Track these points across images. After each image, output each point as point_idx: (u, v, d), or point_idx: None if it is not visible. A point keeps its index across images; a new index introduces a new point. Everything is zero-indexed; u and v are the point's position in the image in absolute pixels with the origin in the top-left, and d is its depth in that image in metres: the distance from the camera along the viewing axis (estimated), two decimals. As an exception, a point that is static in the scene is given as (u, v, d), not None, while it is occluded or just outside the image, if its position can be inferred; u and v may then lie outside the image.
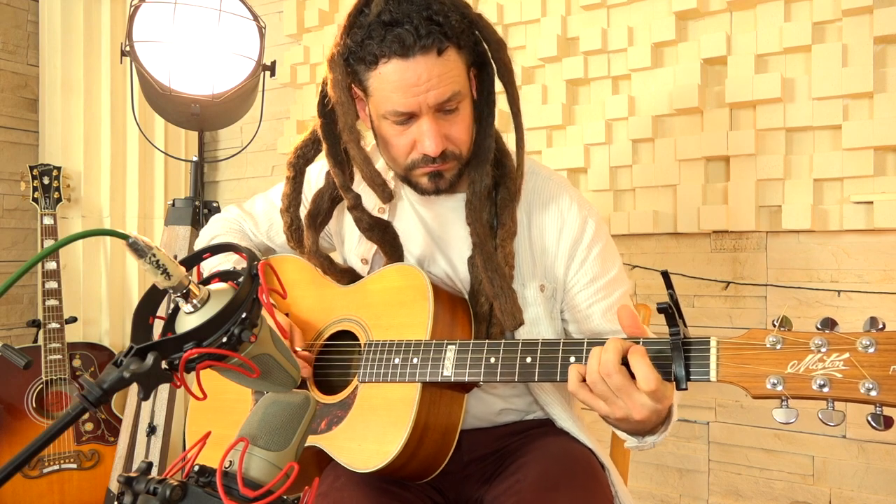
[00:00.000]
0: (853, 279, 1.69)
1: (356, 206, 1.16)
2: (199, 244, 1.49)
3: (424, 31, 1.01)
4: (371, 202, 1.24)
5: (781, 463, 1.78)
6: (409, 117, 1.07)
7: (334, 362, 1.23)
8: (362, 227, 1.18)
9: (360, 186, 1.23)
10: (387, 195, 1.14)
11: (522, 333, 1.15)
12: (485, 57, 1.13)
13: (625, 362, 0.90)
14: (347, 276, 1.25)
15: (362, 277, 1.25)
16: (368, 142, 1.22)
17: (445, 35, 1.02)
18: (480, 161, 1.15)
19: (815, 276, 1.73)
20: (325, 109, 1.15)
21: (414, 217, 1.25)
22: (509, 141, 1.20)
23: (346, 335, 1.23)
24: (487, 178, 1.15)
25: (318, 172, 1.32)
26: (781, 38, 1.71)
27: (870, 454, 1.68)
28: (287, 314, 1.27)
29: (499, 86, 1.15)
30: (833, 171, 1.66)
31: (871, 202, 1.61)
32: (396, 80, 1.03)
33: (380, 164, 1.24)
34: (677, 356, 0.87)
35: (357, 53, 1.05)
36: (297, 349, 1.20)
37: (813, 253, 1.74)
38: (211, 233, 1.45)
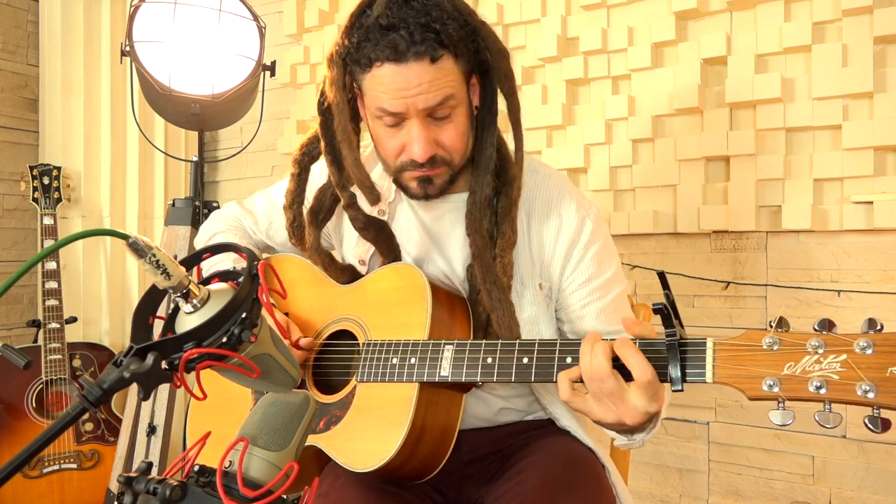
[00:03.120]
0: (853, 279, 1.69)
1: (351, 205, 1.17)
2: (199, 239, 1.49)
3: (419, 38, 1.01)
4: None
5: (781, 463, 1.78)
6: (399, 119, 1.07)
7: (333, 362, 1.23)
8: (357, 225, 1.18)
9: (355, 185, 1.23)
10: (374, 197, 1.14)
11: (522, 332, 1.15)
12: (488, 65, 1.12)
13: (617, 366, 0.89)
14: (347, 273, 1.25)
15: (362, 276, 1.26)
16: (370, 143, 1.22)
17: (441, 43, 1.02)
18: (481, 170, 1.14)
19: (815, 276, 1.73)
20: (323, 108, 1.15)
21: (412, 217, 1.24)
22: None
23: (345, 335, 1.23)
24: (488, 188, 1.14)
25: (319, 170, 1.32)
26: (781, 38, 1.71)
27: (870, 454, 1.68)
28: (286, 314, 1.27)
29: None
30: (833, 171, 1.66)
31: (871, 202, 1.61)
32: (387, 84, 1.04)
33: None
34: (673, 357, 0.87)
35: (353, 55, 1.06)
36: (300, 339, 1.20)
37: (813, 253, 1.74)
38: (211, 229, 1.45)
